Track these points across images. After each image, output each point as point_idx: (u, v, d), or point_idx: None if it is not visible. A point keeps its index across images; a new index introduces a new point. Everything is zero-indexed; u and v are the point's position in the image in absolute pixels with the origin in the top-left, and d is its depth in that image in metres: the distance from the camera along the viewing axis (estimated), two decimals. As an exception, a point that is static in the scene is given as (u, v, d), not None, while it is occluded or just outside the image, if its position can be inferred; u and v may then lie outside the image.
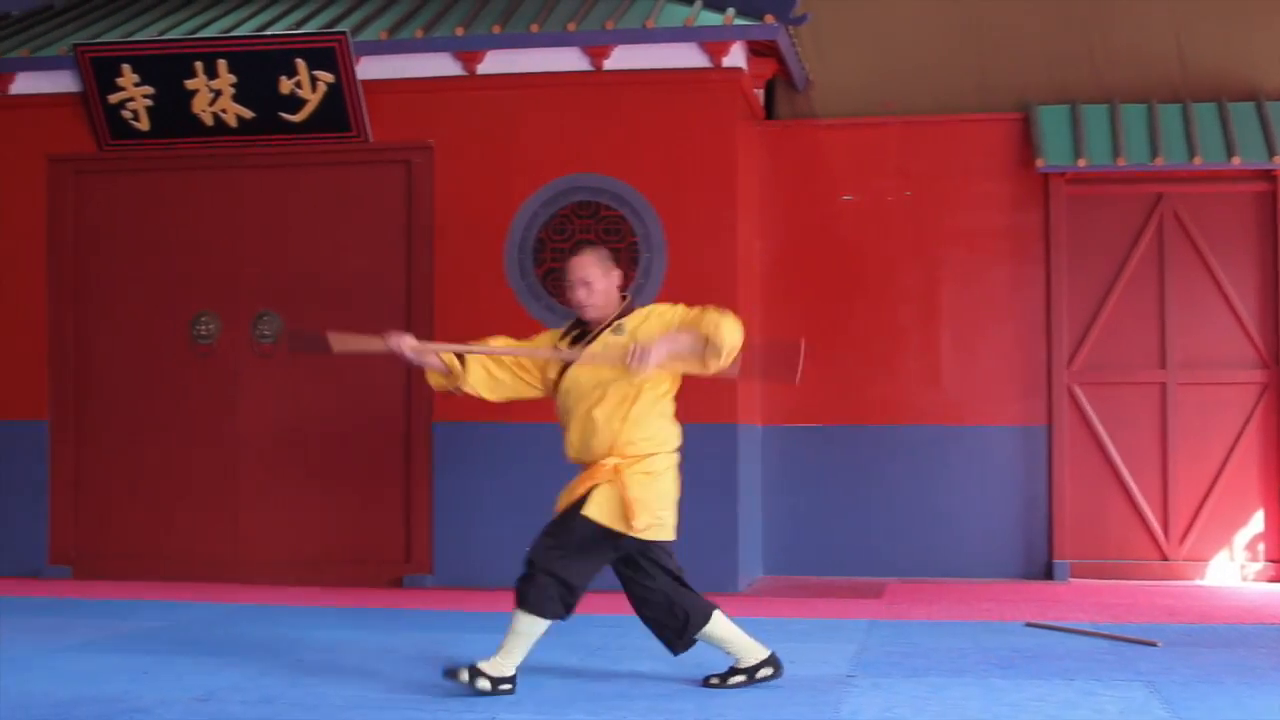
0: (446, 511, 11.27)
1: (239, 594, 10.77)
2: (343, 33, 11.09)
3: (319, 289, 11.56)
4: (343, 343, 7.42)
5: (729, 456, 10.97)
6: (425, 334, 11.25)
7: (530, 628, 6.88)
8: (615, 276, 7.15)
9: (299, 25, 11.65)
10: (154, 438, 11.84)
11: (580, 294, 7.07)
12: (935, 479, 11.91)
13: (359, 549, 11.49)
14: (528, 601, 6.84)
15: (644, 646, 8.33)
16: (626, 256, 11.04)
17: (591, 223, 11.12)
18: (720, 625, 7.13)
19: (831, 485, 11.99)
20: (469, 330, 11.13)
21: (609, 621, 9.32)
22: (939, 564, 11.84)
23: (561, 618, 6.91)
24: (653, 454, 7.09)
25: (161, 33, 11.82)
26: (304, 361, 11.53)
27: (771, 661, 7.11)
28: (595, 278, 7.06)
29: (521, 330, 11.06)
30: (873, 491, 11.94)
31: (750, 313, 11.52)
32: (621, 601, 10.30)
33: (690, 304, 10.91)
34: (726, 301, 10.88)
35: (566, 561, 6.89)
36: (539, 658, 7.84)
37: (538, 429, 11.12)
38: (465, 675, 6.80)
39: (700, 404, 10.93)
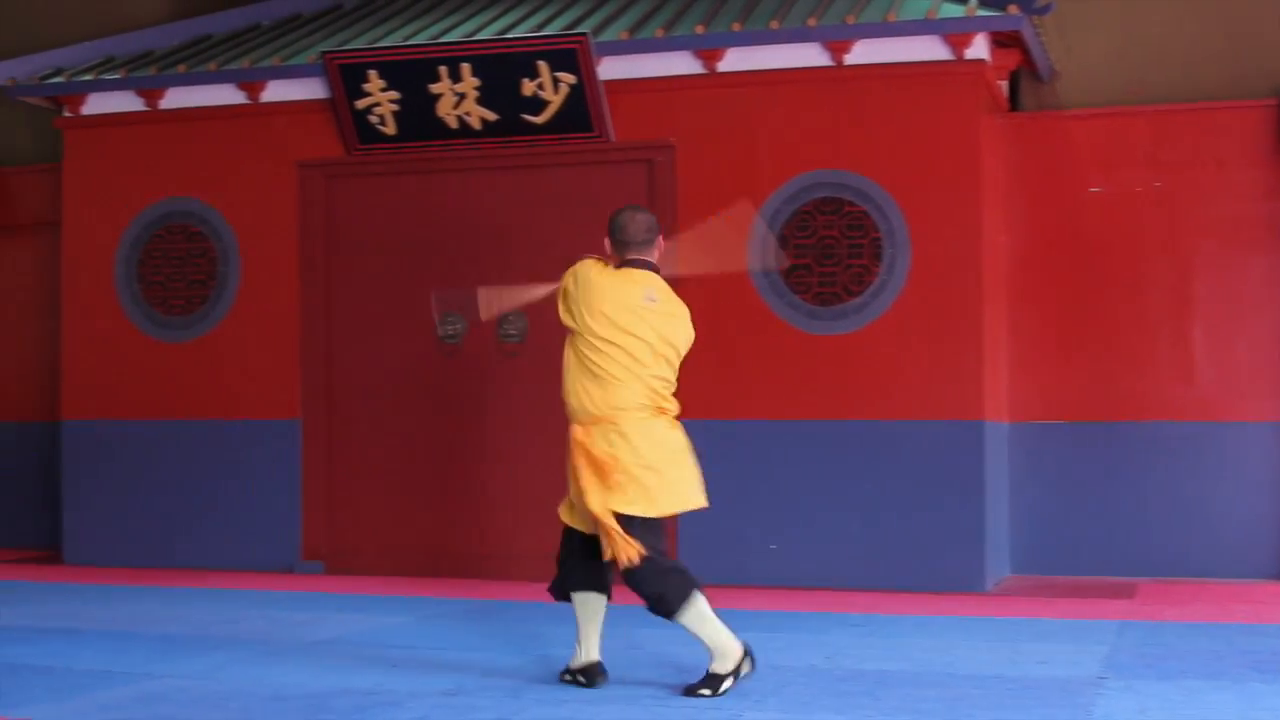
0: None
1: (486, 589, 10.89)
2: (584, 34, 11.15)
3: (562, 289, 11.64)
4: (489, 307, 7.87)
5: (975, 454, 10.82)
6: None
7: (700, 609, 6.84)
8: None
9: (540, 27, 11.75)
10: (402, 435, 12.04)
11: None
12: (1188, 476, 11.60)
13: (603, 546, 11.53)
14: (676, 606, 6.84)
15: (892, 645, 8.26)
16: (870, 252, 10.95)
17: (834, 218, 11.04)
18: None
19: (1081, 482, 11.75)
20: (715, 330, 11.16)
21: (855, 620, 9.27)
22: (1192, 564, 11.52)
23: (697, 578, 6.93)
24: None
25: (406, 38, 12.01)
26: (549, 359, 11.59)
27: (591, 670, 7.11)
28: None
29: (767, 330, 11.08)
30: (1124, 489, 11.68)
31: (996, 307, 11.36)
32: (868, 600, 10.26)
33: (936, 300, 10.88)
34: (971, 297, 10.81)
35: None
36: (784, 656, 7.81)
37: (777, 425, 11.11)
38: (707, 690, 6.81)
39: (945, 401, 10.85)
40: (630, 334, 6.94)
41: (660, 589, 6.79)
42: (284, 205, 12.27)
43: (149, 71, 12.51)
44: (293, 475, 12.16)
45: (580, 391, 6.98)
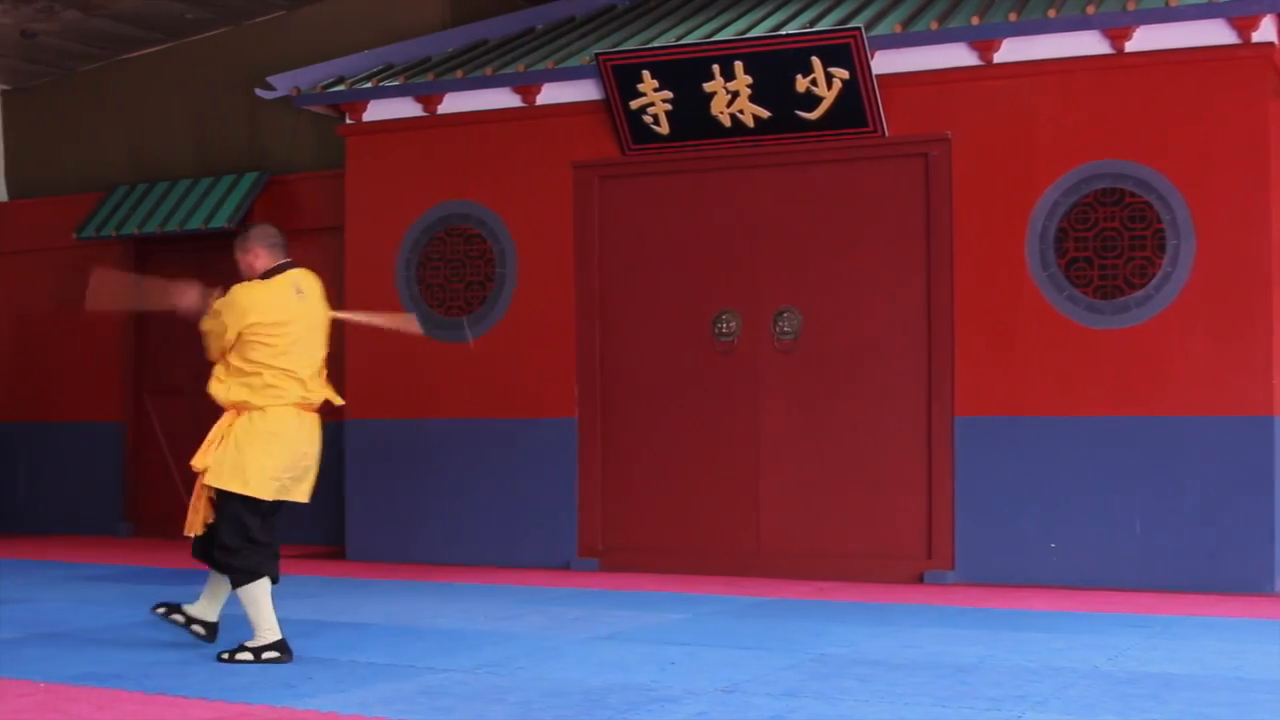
0: (970, 507, 11.12)
1: (760, 587, 10.86)
2: (857, 28, 11.06)
3: (838, 285, 11.58)
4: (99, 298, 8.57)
5: (1265, 450, 10.48)
6: (945, 327, 11.15)
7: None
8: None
9: (813, 23, 11.69)
10: (677, 434, 12.07)
11: None
12: None
13: (880, 544, 11.44)
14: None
15: (1177, 647, 8.04)
16: (1153, 243, 10.68)
17: (1115, 210, 10.78)
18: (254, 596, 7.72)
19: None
20: (994, 325, 11.00)
21: (1138, 621, 9.05)
22: None
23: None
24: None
25: (679, 38, 12.04)
26: (824, 357, 11.57)
27: (279, 646, 7.69)
28: None
29: (1046, 325, 10.86)
30: None
31: (1286, 300, 11.00)
32: (1151, 601, 10.01)
33: (1222, 292, 10.53)
34: (1260, 288, 10.47)
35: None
36: (1065, 657, 7.65)
37: (1056, 422, 10.89)
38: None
39: (1233, 396, 10.52)
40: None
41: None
42: (560, 206, 12.40)
43: (427, 78, 12.74)
44: (569, 473, 12.27)
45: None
